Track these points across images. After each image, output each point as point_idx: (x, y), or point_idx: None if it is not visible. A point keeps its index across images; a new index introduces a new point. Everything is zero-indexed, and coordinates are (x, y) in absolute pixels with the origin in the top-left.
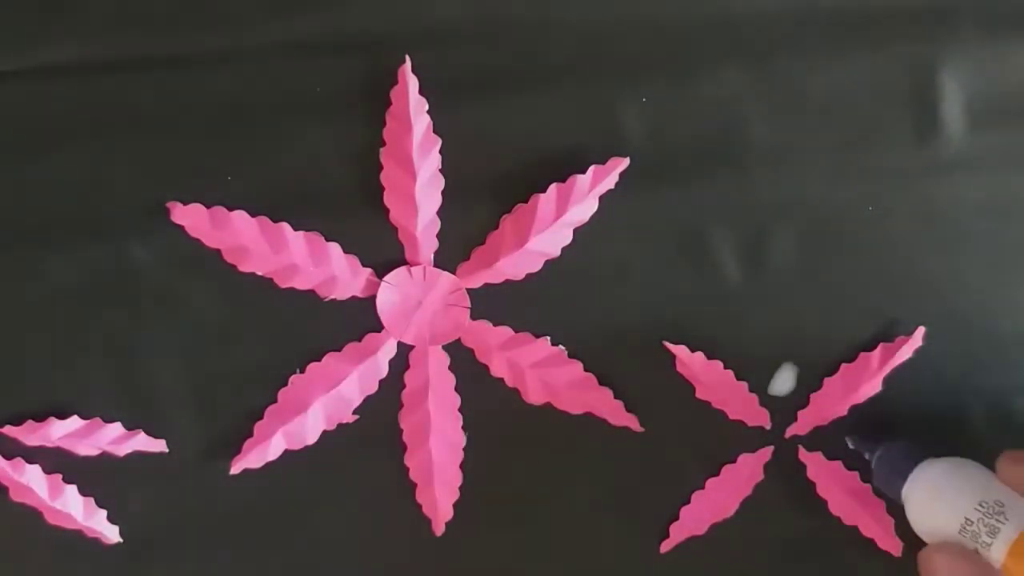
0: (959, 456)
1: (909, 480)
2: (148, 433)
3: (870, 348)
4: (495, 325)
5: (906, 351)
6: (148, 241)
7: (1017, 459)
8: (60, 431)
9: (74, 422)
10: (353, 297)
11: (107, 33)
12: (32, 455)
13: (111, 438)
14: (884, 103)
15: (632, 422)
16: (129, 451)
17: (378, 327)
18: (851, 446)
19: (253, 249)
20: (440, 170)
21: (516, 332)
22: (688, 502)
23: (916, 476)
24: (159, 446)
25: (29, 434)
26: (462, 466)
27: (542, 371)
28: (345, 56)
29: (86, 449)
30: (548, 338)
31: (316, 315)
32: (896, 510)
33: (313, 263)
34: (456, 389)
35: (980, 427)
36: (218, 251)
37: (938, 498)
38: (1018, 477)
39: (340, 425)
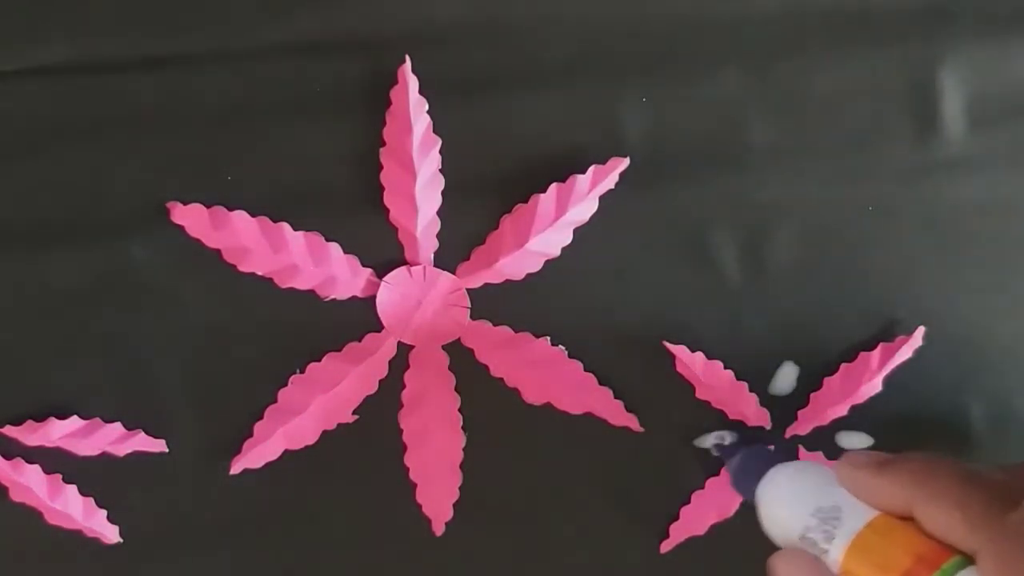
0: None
1: (759, 486)
2: (148, 433)
3: (870, 348)
4: (495, 325)
5: (906, 351)
6: (148, 241)
7: (853, 462)
8: (60, 431)
9: (74, 422)
10: (353, 297)
11: (107, 33)
12: (32, 455)
13: (111, 438)
14: (884, 103)
15: (632, 422)
16: (129, 451)
17: (378, 327)
18: (714, 453)
19: (253, 249)
20: (440, 170)
21: (516, 332)
22: (688, 502)
23: (764, 482)
24: (159, 446)
25: (29, 434)
26: (462, 466)
27: (542, 371)
28: (345, 56)
29: (86, 449)
30: (548, 338)
31: (316, 315)
32: None
33: (313, 263)
34: (456, 389)
35: (980, 427)
36: (218, 251)
37: (781, 505)
38: (854, 480)
39: (340, 425)
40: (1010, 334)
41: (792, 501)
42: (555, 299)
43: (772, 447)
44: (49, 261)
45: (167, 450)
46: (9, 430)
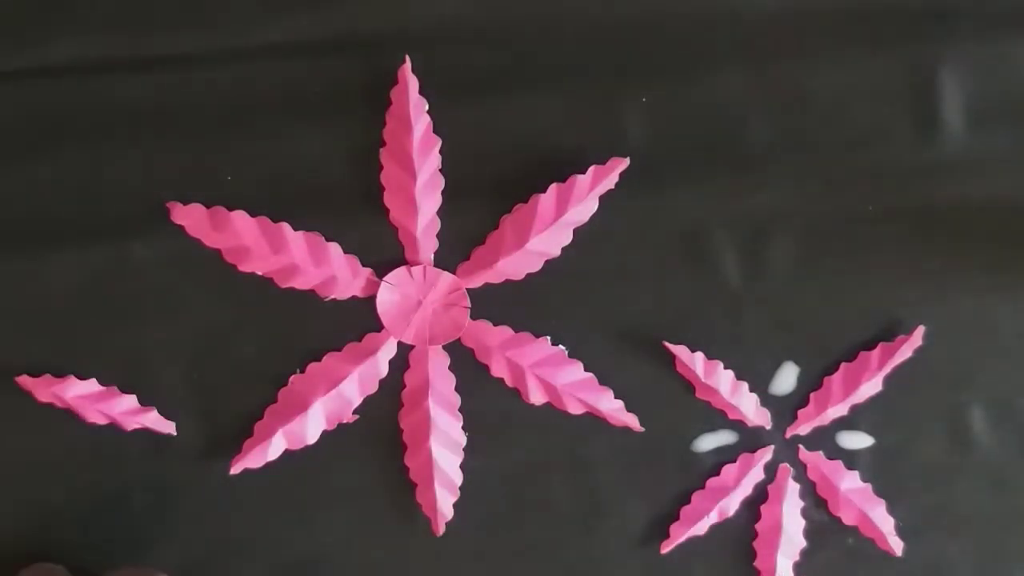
0: None
1: None
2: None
3: (870, 348)
4: (495, 325)
5: (906, 351)
6: (148, 241)
7: None
8: (76, 390)
9: (91, 384)
10: (353, 297)
11: (107, 33)
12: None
13: (123, 409)
14: (884, 103)
15: (632, 422)
16: (137, 426)
17: (378, 327)
18: None
19: (253, 249)
20: (440, 170)
21: (516, 332)
22: (688, 502)
23: None
24: (168, 427)
25: (44, 388)
26: (462, 466)
27: (542, 371)
28: (345, 56)
29: (95, 415)
30: (548, 338)
31: (316, 315)
32: (897, 510)
33: (313, 263)
34: (456, 389)
35: (980, 427)
36: (218, 251)
37: None
38: None
39: (340, 425)
40: (1010, 334)
41: None
42: (555, 299)
43: None
44: (49, 261)
45: (175, 433)
46: (25, 380)
